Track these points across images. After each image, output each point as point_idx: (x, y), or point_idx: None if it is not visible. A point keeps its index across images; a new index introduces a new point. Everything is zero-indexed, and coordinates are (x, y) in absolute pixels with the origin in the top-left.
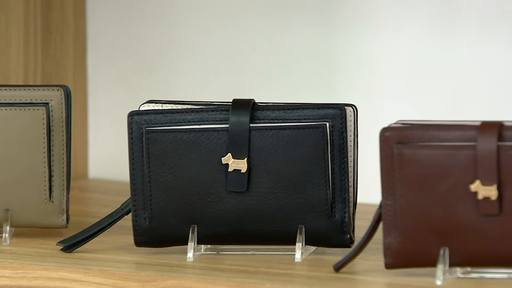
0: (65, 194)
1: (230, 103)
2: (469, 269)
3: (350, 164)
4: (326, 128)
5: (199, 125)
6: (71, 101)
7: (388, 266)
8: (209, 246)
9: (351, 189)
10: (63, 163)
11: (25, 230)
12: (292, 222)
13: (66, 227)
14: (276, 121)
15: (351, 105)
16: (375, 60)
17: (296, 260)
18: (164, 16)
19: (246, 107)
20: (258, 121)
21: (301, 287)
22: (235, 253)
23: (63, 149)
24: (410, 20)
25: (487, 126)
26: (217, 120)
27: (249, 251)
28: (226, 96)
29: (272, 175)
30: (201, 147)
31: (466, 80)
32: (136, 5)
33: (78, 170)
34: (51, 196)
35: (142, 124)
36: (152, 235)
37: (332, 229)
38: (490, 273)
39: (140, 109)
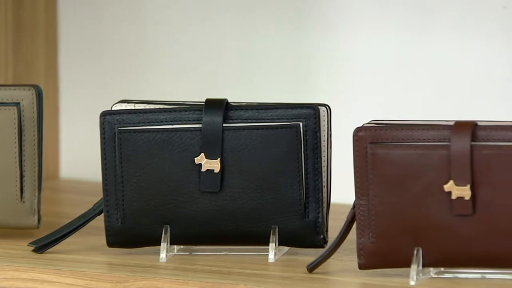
0: (36, 194)
1: (203, 103)
2: (442, 269)
3: (324, 164)
4: (300, 128)
5: (172, 125)
6: (43, 100)
7: (362, 266)
8: (182, 246)
9: (324, 189)
10: (34, 163)
11: None
12: (266, 222)
13: (38, 227)
14: (249, 121)
15: (324, 105)
16: (349, 59)
17: (269, 261)
18: (136, 16)
19: (219, 107)
20: (231, 121)
21: (274, 287)
22: (208, 254)
23: (34, 149)
24: (385, 18)
25: (460, 126)
26: (190, 120)
27: (222, 252)
28: (199, 96)
29: (245, 175)
30: (174, 147)
31: (441, 79)
32: (108, 5)
33: (50, 170)
34: (23, 197)
35: (115, 124)
36: (124, 236)
37: (305, 229)
38: (463, 273)
39: (113, 109)
